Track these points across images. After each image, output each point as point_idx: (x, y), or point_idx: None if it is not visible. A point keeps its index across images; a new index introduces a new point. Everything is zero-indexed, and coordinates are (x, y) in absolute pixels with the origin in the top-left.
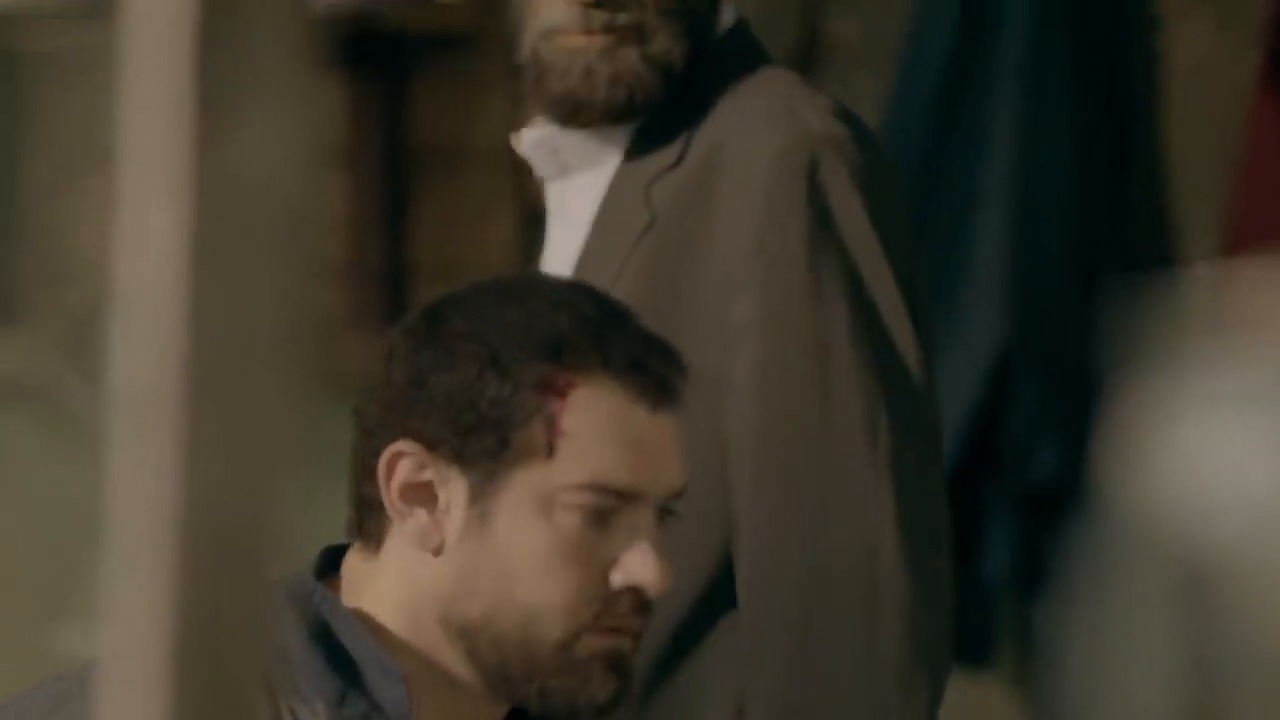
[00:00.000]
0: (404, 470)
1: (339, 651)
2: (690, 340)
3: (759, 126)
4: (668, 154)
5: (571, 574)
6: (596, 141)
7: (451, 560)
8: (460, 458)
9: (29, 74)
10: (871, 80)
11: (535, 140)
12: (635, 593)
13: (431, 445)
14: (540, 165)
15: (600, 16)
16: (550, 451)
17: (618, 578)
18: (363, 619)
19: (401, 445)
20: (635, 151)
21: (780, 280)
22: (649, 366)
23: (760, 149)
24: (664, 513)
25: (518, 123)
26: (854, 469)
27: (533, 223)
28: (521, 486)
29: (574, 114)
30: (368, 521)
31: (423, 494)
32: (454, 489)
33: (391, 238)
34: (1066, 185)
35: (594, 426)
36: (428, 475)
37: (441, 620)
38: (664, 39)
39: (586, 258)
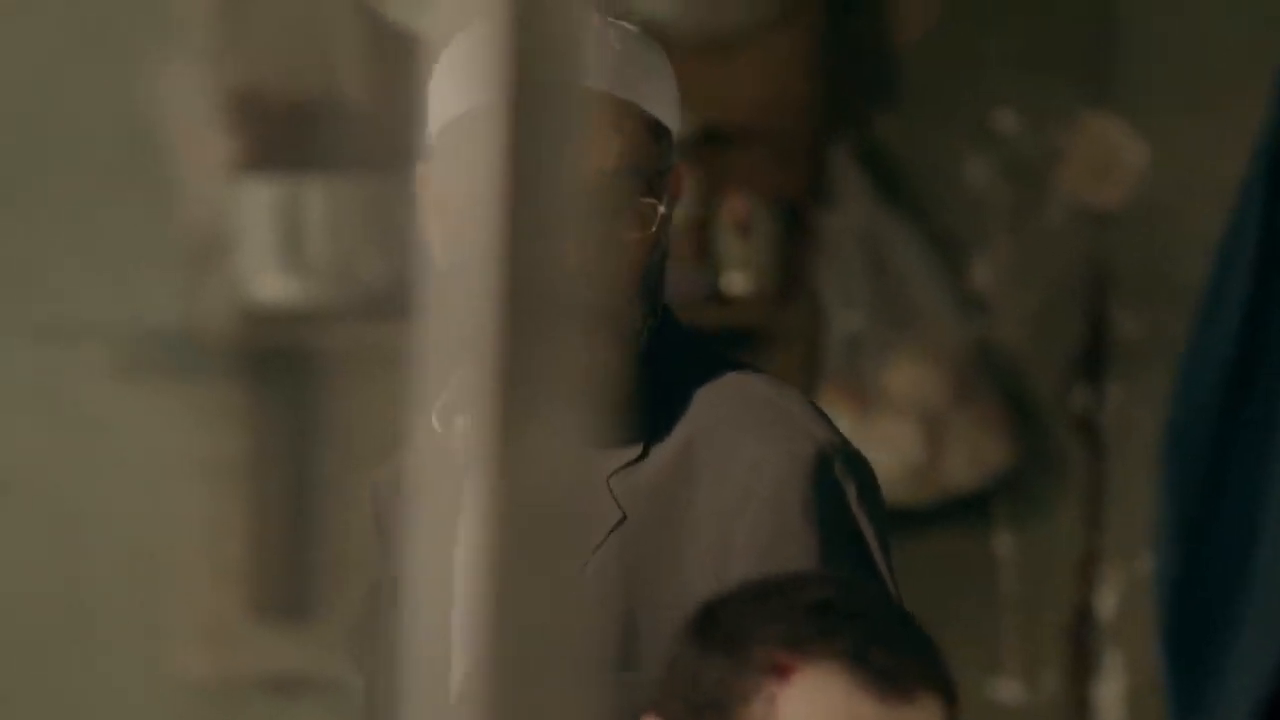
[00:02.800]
0: None
1: None
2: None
3: (754, 430)
4: (624, 447)
5: None
6: None
7: None
8: None
9: (319, 371)
10: (1158, 377)
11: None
12: None
13: None
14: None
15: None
16: None
17: None
18: None
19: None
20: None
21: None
22: (881, 657)
23: (764, 453)
24: None
25: None
26: None
27: None
28: None
29: None
30: None
31: None
32: None
33: None
34: None
35: (811, 711)
36: None
37: None
38: (635, 320)
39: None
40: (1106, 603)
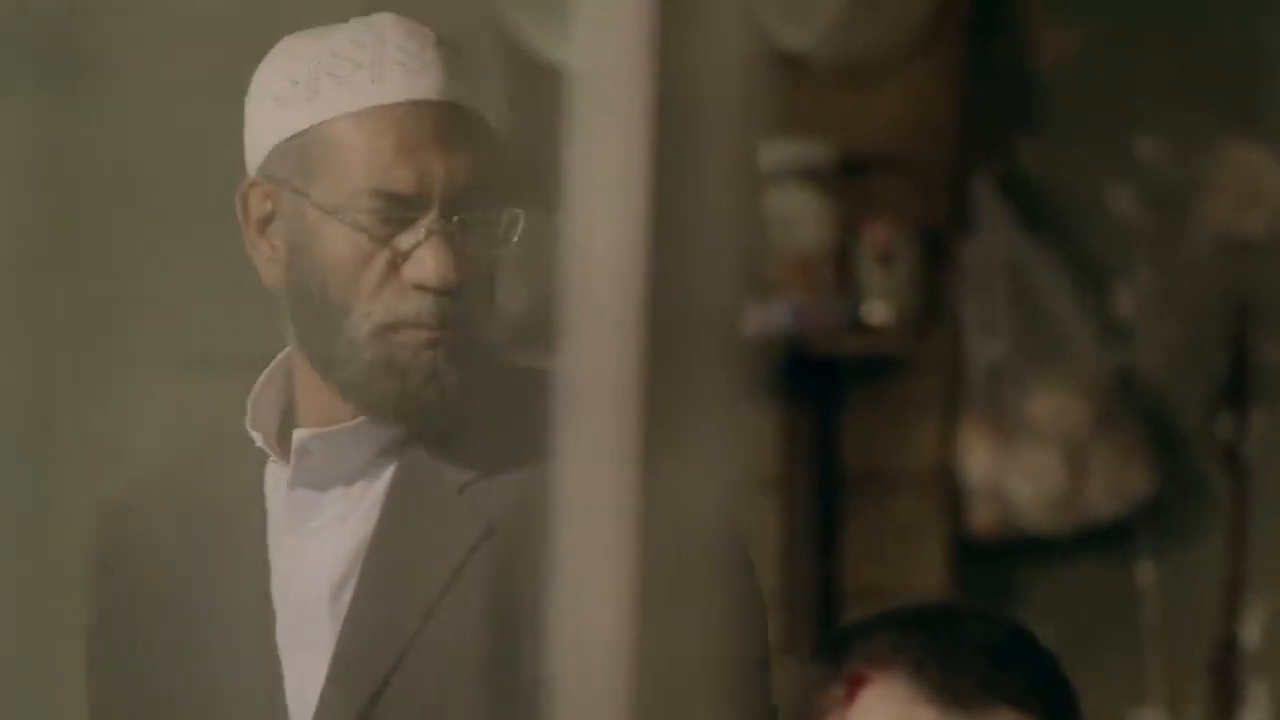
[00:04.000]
0: None
1: None
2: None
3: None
4: (465, 463)
5: None
6: (374, 447)
7: None
8: None
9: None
10: None
11: (309, 440)
12: None
13: None
14: (304, 469)
15: (447, 305)
16: None
17: None
18: None
19: None
20: (416, 458)
21: None
22: (947, 673)
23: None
24: None
25: (949, 446)
26: None
27: (964, 547)
28: None
29: (404, 416)
30: None
31: None
32: None
33: (822, 563)
34: None
35: (869, 718)
36: None
37: None
38: (489, 330)
39: (383, 569)
40: (1251, 632)
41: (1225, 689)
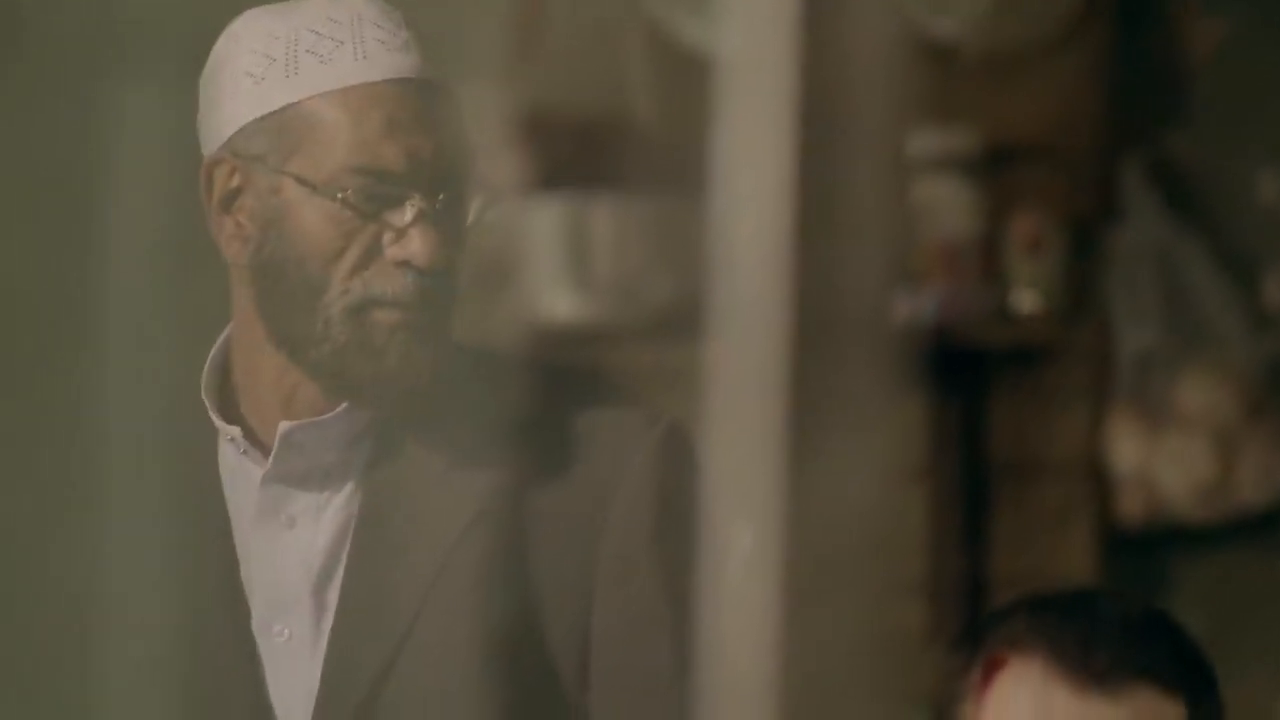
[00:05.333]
0: None
1: None
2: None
3: (608, 411)
4: (447, 447)
5: None
6: (351, 434)
7: None
8: None
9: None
10: None
11: (293, 431)
12: None
13: None
14: (286, 461)
15: (427, 285)
16: None
17: None
18: None
19: None
20: (399, 444)
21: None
22: (1084, 651)
23: (624, 433)
24: None
25: (1098, 435)
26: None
27: (1113, 536)
28: None
29: (380, 398)
30: None
31: None
32: None
33: (970, 552)
34: None
35: (1005, 704)
36: None
37: None
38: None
39: (371, 560)
40: None
41: None
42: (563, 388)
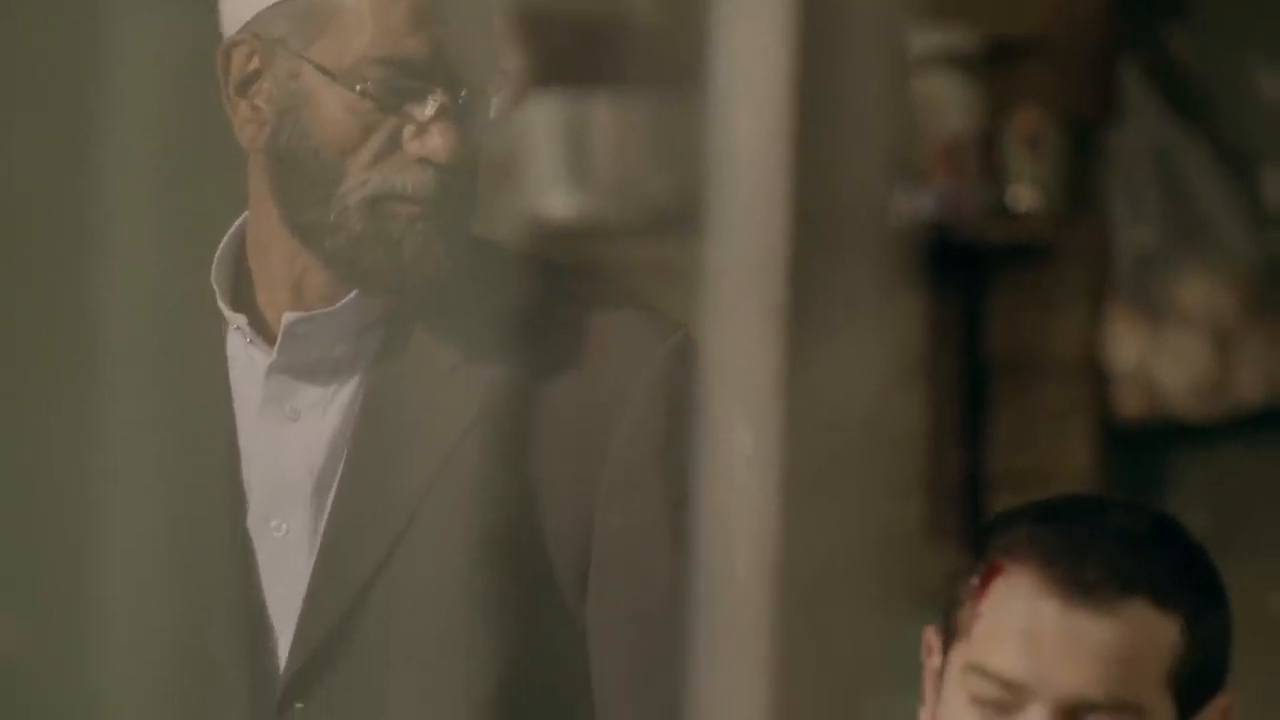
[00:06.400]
0: (932, 656)
1: None
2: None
3: (622, 316)
4: (455, 343)
5: None
6: (359, 328)
7: None
8: (941, 635)
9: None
10: None
11: (297, 323)
12: None
13: (938, 629)
14: (290, 353)
15: (447, 181)
16: (969, 632)
17: None
18: None
19: (929, 633)
20: (406, 339)
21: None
22: (1076, 564)
23: (638, 341)
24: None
25: (1097, 332)
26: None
27: (1112, 433)
28: (952, 664)
29: (393, 290)
30: None
31: (934, 678)
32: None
33: (969, 449)
34: None
35: (999, 611)
36: (935, 660)
37: None
38: (476, 209)
39: (372, 455)
40: None
41: None
42: (577, 290)
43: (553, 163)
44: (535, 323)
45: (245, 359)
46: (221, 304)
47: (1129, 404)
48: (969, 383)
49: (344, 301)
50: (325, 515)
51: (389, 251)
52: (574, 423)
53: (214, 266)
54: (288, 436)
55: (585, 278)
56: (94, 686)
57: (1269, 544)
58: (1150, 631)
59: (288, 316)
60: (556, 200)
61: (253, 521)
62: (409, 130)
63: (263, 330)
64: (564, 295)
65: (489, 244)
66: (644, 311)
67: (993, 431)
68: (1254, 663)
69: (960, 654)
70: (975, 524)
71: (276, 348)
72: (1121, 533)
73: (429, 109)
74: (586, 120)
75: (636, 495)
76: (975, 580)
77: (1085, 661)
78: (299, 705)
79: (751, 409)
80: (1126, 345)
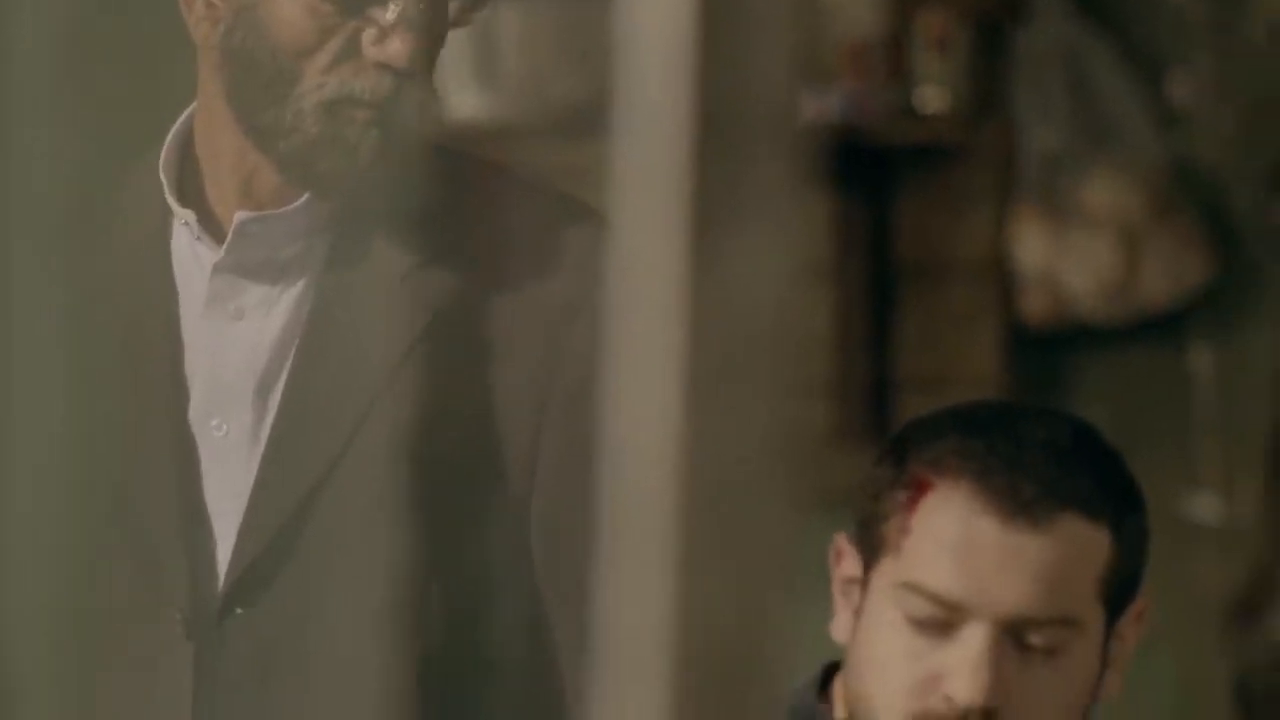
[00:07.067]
0: (844, 564)
1: None
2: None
3: (575, 231)
4: (408, 250)
5: (896, 672)
6: (309, 231)
7: (849, 652)
8: (860, 547)
9: None
10: None
11: (249, 222)
12: (952, 703)
13: (854, 540)
14: (239, 251)
15: (405, 86)
16: (898, 548)
17: (941, 688)
18: None
19: (840, 541)
20: (357, 245)
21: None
22: (1011, 480)
23: (591, 256)
24: (1023, 638)
25: (1004, 235)
26: None
27: (1018, 336)
28: (879, 579)
29: (347, 193)
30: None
31: (849, 588)
32: (860, 580)
33: (875, 352)
34: None
35: (932, 529)
36: (850, 570)
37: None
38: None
39: (321, 357)
40: None
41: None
42: (535, 203)
43: (461, 63)
44: (490, 233)
45: (191, 254)
46: (169, 197)
47: (1035, 306)
48: (875, 284)
49: (297, 204)
50: (268, 419)
51: (344, 155)
52: (525, 334)
53: (161, 157)
54: (231, 335)
55: (546, 193)
56: (10, 579)
57: (1174, 447)
58: (1083, 544)
59: (239, 215)
60: (464, 100)
61: (194, 417)
62: (369, 35)
63: (210, 227)
64: (523, 207)
65: (445, 150)
66: (599, 228)
67: (899, 333)
68: (1161, 564)
69: (888, 571)
70: (882, 428)
71: (226, 246)
72: (1049, 445)
73: (390, 13)
74: (494, 21)
75: (587, 410)
76: (902, 494)
77: (1024, 578)
78: (239, 610)
79: (657, 309)
80: (1033, 247)
